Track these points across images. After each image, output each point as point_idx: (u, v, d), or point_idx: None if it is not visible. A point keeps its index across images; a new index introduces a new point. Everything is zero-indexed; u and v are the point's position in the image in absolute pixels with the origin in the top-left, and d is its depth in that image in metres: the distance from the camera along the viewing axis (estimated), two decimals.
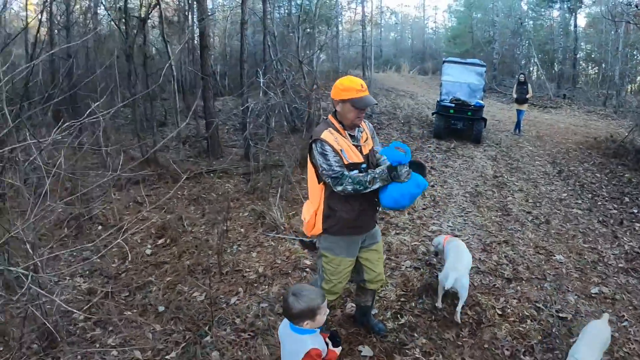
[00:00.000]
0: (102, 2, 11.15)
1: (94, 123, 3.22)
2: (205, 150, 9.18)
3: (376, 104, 2.79)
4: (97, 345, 3.18)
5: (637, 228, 6.36)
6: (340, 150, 2.78)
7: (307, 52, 12.26)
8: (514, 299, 4.28)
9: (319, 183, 2.91)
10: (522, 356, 3.48)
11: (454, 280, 3.74)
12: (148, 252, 4.95)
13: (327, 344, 2.33)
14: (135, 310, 3.73)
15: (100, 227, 5.56)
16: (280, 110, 9.18)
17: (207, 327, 3.55)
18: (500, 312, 4.04)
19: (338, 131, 2.85)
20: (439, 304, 3.98)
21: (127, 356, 3.14)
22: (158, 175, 7.36)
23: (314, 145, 2.80)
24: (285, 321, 2.30)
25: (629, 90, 24.98)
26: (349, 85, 2.76)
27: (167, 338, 3.40)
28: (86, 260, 4.49)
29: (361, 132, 2.99)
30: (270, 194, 6.46)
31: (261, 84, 7.61)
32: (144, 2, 9.67)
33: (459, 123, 11.78)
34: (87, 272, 4.43)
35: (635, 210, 7.06)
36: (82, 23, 12.30)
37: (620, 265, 5.24)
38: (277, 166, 7.55)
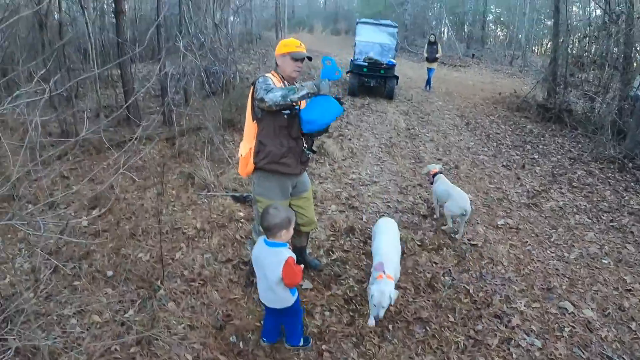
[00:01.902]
0: None
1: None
2: (125, 119, 8.94)
3: (310, 57, 3.12)
4: (55, 318, 3.19)
5: (537, 171, 7.13)
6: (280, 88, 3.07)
7: (221, 13, 12.11)
8: (431, 231, 4.85)
9: (252, 121, 3.20)
10: (441, 277, 4.05)
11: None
12: (84, 223, 4.89)
13: None
14: (84, 279, 3.73)
15: (30, 206, 5.42)
16: (199, 73, 9.11)
17: (159, 282, 3.70)
18: (419, 243, 4.60)
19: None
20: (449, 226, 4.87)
21: (87, 321, 3.20)
22: (81, 147, 7.15)
23: (257, 81, 3.07)
24: (259, 243, 2.76)
25: (535, 51, 26.58)
26: (290, 42, 3.25)
27: (122, 299, 3.49)
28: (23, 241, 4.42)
29: None
30: (196, 156, 6.55)
31: (181, 48, 7.53)
32: None
33: (372, 81, 12.31)
34: (25, 251, 4.30)
35: (536, 156, 7.87)
36: None
37: (522, 201, 5.95)
38: (200, 129, 7.59)
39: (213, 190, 5.60)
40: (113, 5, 9.07)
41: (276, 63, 3.29)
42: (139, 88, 9.54)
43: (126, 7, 10.60)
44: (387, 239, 3.66)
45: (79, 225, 4.83)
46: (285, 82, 3.25)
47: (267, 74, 3.18)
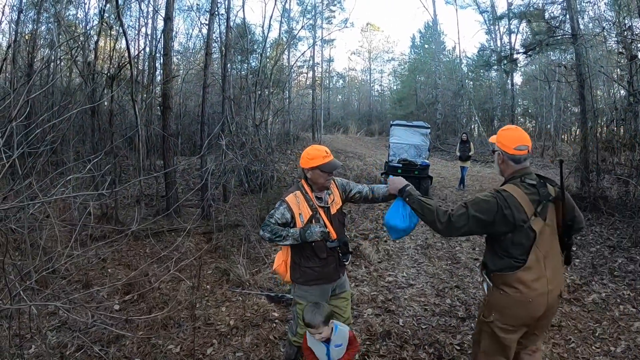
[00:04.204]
0: (65, 53, 11.24)
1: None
2: (164, 209, 9.24)
3: (341, 165, 3.30)
4: None
5: (576, 263, 6.85)
6: (299, 214, 3.20)
7: (261, 114, 12.77)
8: (469, 334, 4.63)
9: None
10: None
11: None
12: (116, 307, 4.98)
13: None
14: None
15: (64, 281, 5.55)
16: (238, 171, 9.45)
17: None
18: (458, 347, 4.40)
19: (306, 194, 3.26)
20: None
21: None
22: (119, 232, 7.39)
23: (278, 202, 3.25)
24: None
25: (564, 139, 26.56)
26: (315, 154, 3.19)
27: None
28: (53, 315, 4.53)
29: (329, 195, 3.38)
30: (232, 252, 6.67)
31: (223, 146, 7.92)
32: (113, 60, 9.92)
33: None
34: (56, 325, 4.43)
35: (574, 248, 7.57)
36: (45, 73, 12.30)
37: (563, 297, 5.66)
38: (237, 226, 7.75)
39: (248, 288, 5.63)
40: (160, 100, 9.71)
41: (304, 173, 3.28)
42: (180, 180, 9.95)
43: (172, 102, 11.33)
44: None
45: (111, 308, 4.92)
46: (314, 194, 3.31)
47: (292, 193, 3.26)
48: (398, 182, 3.04)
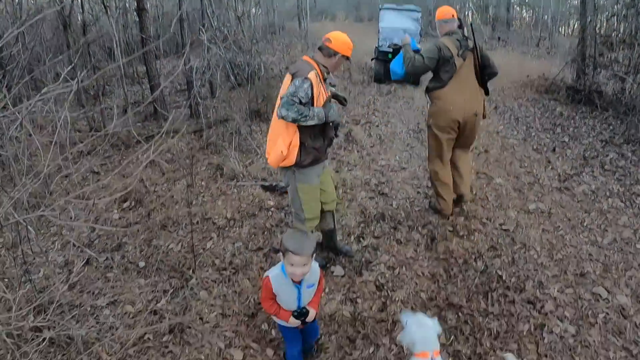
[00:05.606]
0: None
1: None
2: (152, 114, 9.06)
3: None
4: (88, 308, 3.23)
5: (568, 154, 6.88)
6: (319, 93, 3.17)
7: (243, 6, 12.13)
8: (461, 217, 4.76)
9: None
10: (473, 262, 3.99)
11: None
12: (116, 216, 4.99)
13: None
14: (116, 271, 3.82)
15: (62, 200, 5.52)
16: (223, 66, 9.15)
17: (190, 271, 3.75)
18: (450, 229, 4.52)
19: (318, 75, 3.21)
20: None
21: (120, 312, 3.24)
22: (110, 142, 7.28)
23: (295, 79, 3.10)
24: None
25: (562, 32, 25.78)
26: (352, 46, 3.42)
27: (154, 289, 3.54)
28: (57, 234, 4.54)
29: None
30: (224, 147, 6.61)
31: (204, 41, 7.57)
32: None
33: None
34: (60, 245, 4.39)
35: (566, 139, 7.60)
36: None
37: (554, 185, 5.75)
38: (227, 120, 7.65)
39: (242, 180, 5.65)
40: (135, 3, 9.17)
41: (330, 54, 3.31)
42: (165, 83, 9.65)
43: (148, 4, 10.71)
44: None
45: (111, 218, 4.95)
46: (324, 74, 3.31)
47: (311, 71, 3.15)
48: (408, 39, 4.46)
